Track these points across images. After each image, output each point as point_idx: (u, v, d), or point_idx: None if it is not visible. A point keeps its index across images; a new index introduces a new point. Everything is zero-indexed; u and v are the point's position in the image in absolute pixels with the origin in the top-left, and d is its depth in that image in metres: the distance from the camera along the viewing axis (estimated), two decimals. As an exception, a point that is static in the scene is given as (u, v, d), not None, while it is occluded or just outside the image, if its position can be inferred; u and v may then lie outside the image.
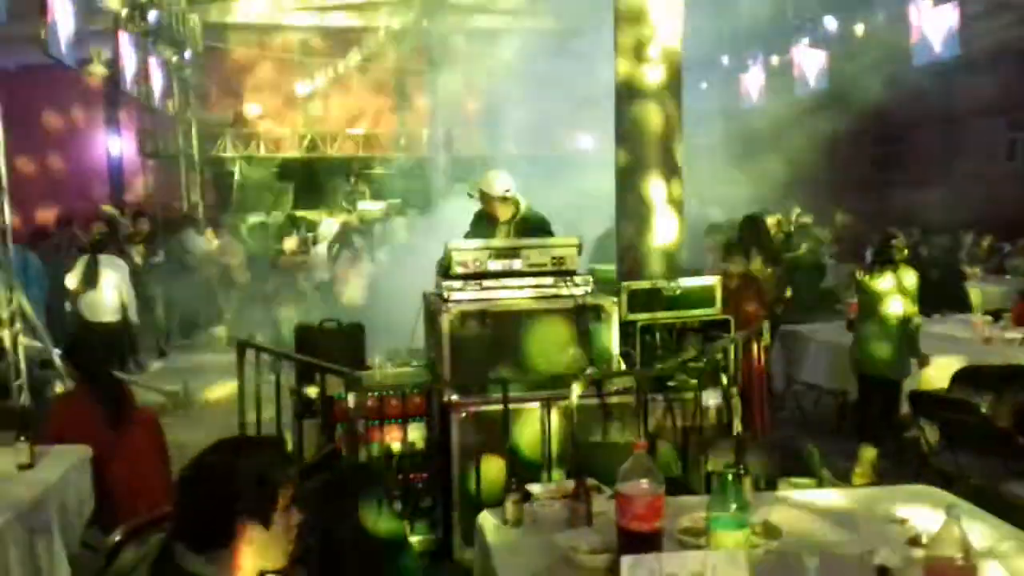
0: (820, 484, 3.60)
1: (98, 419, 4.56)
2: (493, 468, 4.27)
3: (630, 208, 6.00)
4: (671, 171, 5.95)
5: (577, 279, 4.65)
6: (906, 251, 6.05)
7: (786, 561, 2.44)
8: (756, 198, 10.62)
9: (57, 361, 6.26)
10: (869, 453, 5.79)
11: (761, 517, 2.71)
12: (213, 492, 1.99)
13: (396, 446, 4.46)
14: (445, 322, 4.44)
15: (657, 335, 4.79)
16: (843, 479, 5.38)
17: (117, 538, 2.98)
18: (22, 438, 3.80)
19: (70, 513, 3.86)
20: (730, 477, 2.43)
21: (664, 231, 5.89)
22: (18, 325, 6.34)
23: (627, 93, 5.95)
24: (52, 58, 9.13)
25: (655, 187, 5.88)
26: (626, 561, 2.09)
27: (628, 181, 5.99)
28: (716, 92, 16.13)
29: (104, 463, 4.28)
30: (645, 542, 2.37)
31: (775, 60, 15.28)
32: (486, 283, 4.56)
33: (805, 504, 3.05)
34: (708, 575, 2.00)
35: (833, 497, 3.17)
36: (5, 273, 6.34)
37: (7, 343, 6.30)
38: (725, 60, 15.99)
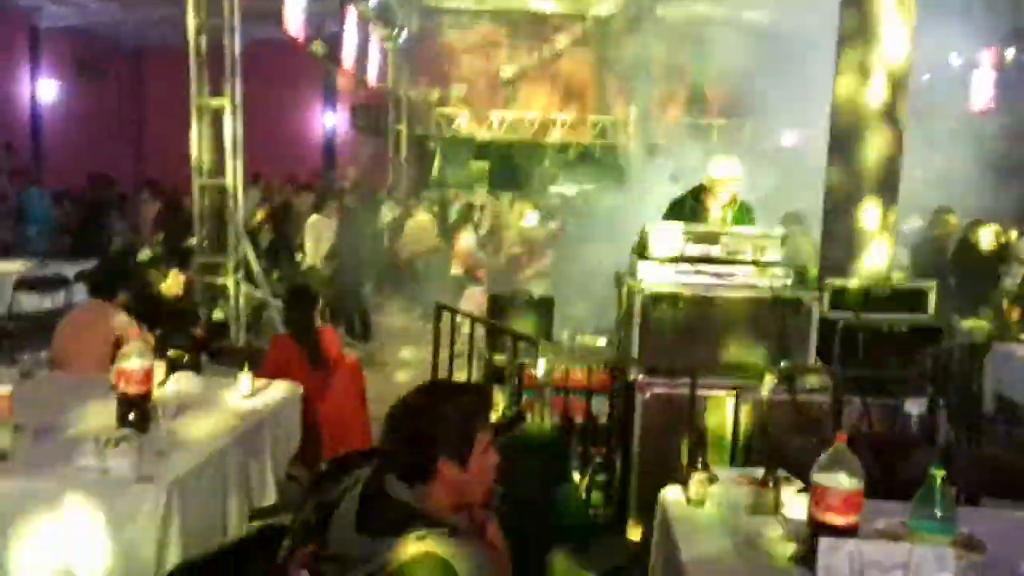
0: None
1: (306, 362, 4.94)
2: (674, 451, 4.24)
3: (838, 229, 5.75)
4: (889, 195, 5.66)
5: (777, 271, 4.52)
6: None
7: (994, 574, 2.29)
8: (978, 208, 9.78)
9: (272, 306, 6.80)
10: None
11: (964, 530, 2.55)
12: (417, 429, 2.13)
13: (578, 418, 4.52)
14: (637, 302, 4.44)
15: (859, 336, 4.57)
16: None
17: (323, 467, 3.20)
18: (244, 370, 4.16)
19: (279, 445, 4.16)
20: (938, 481, 2.30)
21: (874, 256, 5.64)
22: (241, 272, 6.94)
23: (846, 113, 5.69)
24: (287, 35, 9.87)
25: (869, 210, 5.63)
26: (824, 542, 2.03)
27: (839, 202, 5.75)
28: (942, 92, 14.99)
29: (310, 403, 4.61)
30: (840, 535, 2.29)
31: (1011, 58, 13.97)
32: (681, 267, 4.52)
33: (1013, 524, 2.84)
34: (912, 571, 1.90)
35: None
36: (234, 225, 6.94)
37: (231, 289, 6.93)
38: (954, 57, 14.80)
